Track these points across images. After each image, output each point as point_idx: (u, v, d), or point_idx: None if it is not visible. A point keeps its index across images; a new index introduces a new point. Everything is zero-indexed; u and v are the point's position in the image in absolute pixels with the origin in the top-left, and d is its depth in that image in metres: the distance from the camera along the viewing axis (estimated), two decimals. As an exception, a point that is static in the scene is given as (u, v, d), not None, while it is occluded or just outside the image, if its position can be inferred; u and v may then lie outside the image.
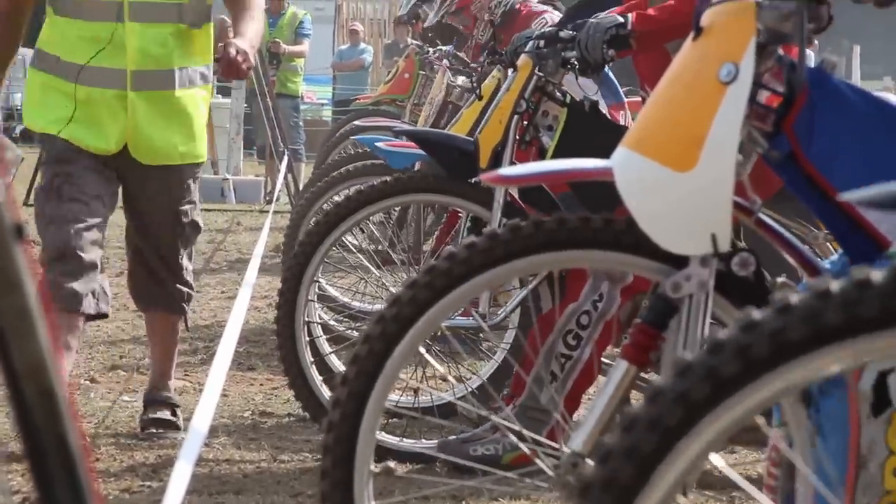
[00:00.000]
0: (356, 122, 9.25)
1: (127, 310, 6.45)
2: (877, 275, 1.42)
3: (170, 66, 4.26)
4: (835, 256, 2.46)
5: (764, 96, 2.31)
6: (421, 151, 4.82)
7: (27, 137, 13.77)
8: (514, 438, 3.04)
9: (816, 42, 9.17)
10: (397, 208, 6.49)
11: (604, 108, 4.65)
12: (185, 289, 4.44)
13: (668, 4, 4.16)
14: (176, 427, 4.43)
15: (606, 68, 4.51)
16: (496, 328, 4.69)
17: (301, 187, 9.57)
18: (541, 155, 4.47)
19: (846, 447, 2.05)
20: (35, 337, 1.17)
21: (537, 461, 2.41)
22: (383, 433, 4.12)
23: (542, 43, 4.46)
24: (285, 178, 9.49)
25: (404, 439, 4.22)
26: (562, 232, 2.33)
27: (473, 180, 4.49)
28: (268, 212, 8.77)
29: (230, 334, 3.72)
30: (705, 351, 1.45)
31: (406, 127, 6.79)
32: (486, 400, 4.43)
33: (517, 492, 3.60)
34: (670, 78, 2.36)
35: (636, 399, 4.66)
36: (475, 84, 5.58)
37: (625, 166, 2.30)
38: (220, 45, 4.32)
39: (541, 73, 4.46)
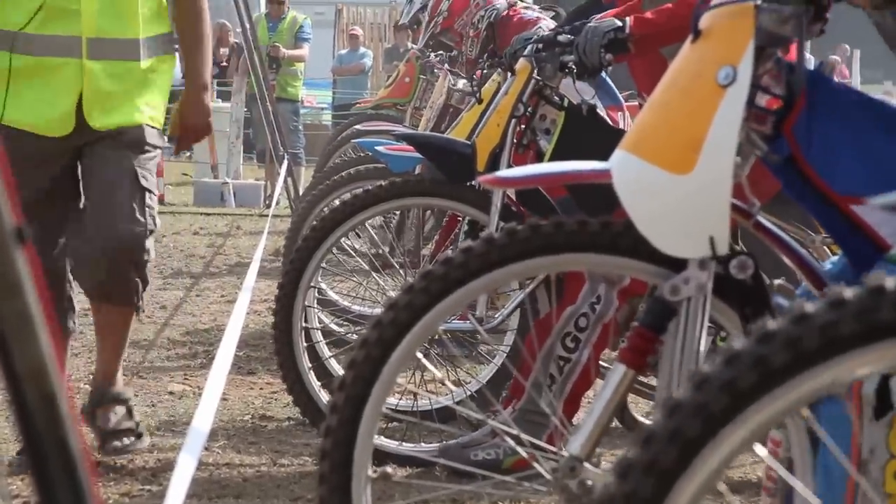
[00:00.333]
0: (357, 126, 9.25)
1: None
2: None
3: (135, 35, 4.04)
4: (834, 258, 2.46)
5: (763, 99, 2.31)
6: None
7: None
8: (512, 442, 3.04)
9: (809, 44, 9.18)
10: (397, 212, 6.50)
11: (601, 112, 4.65)
12: (140, 282, 4.08)
13: (665, 7, 4.16)
14: (137, 434, 4.15)
15: (603, 73, 4.51)
16: (494, 332, 4.69)
17: (301, 191, 9.57)
18: (538, 158, 4.47)
19: (847, 451, 2.05)
20: (36, 341, 1.17)
21: (535, 465, 2.41)
22: (382, 437, 4.12)
23: (540, 47, 4.46)
24: (285, 182, 9.47)
25: (403, 443, 4.22)
26: (559, 235, 2.32)
27: (471, 183, 4.49)
28: (267, 216, 8.77)
29: (230, 338, 3.72)
30: (754, 340, 1.46)
31: (405, 131, 6.79)
32: (485, 404, 4.43)
33: (516, 495, 3.60)
34: (668, 80, 2.35)
35: (633, 402, 4.68)
36: (475, 88, 5.58)
37: (623, 169, 2.29)
38: (173, 110, 4.20)
39: (539, 77, 4.47)
